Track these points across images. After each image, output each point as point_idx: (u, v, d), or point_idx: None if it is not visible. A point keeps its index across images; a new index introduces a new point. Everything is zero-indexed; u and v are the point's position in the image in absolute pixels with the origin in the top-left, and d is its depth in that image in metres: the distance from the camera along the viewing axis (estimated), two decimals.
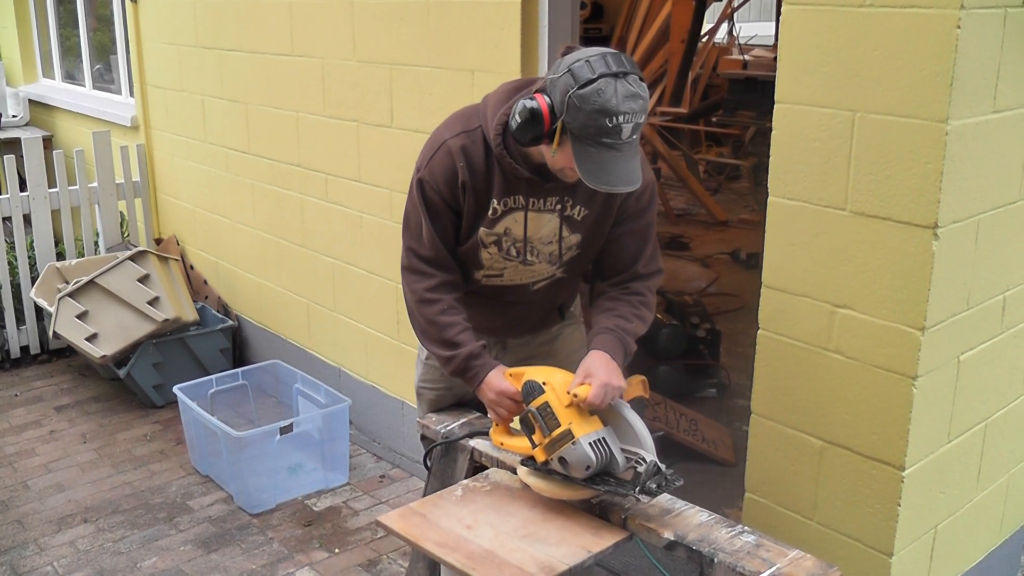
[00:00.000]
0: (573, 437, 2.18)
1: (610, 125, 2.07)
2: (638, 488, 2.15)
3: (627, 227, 2.47)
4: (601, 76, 2.08)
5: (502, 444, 2.44)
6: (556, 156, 2.20)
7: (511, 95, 2.33)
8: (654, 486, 2.15)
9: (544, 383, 2.27)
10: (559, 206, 2.40)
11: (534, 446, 2.27)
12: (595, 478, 2.21)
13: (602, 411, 2.26)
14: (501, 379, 2.39)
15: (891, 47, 2.25)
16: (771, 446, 2.71)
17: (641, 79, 2.14)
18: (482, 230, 2.42)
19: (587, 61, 2.11)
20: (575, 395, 2.21)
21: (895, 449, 2.42)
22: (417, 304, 2.47)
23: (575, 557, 2.13)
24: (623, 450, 2.21)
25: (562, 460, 2.20)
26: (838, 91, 2.37)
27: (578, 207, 2.41)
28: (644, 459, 2.19)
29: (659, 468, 2.18)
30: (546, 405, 2.23)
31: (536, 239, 2.44)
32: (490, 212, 2.39)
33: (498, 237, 2.43)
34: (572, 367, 2.34)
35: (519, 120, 2.17)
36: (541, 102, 2.15)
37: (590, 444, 2.17)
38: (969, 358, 2.54)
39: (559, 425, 2.21)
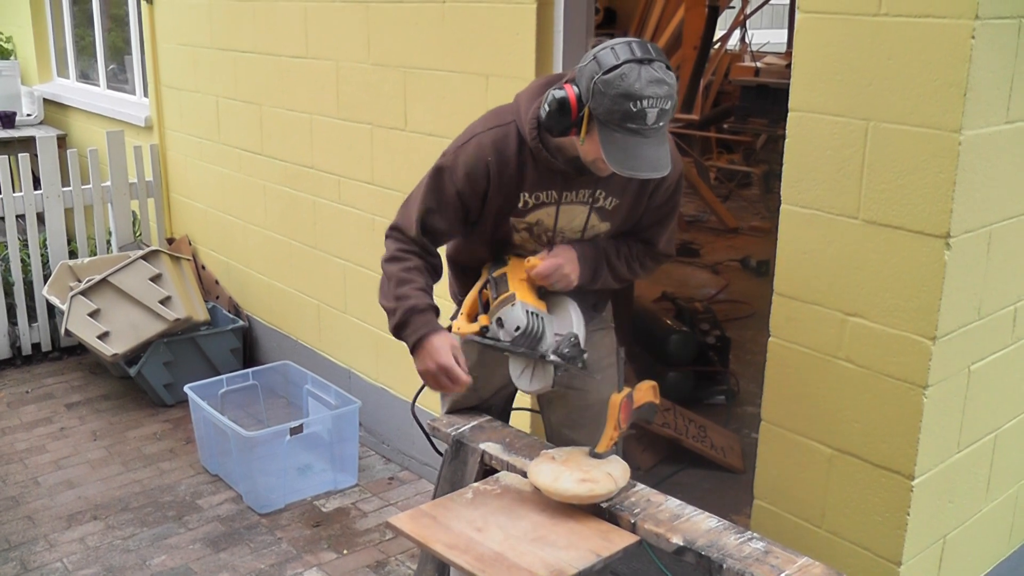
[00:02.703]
0: (514, 300, 2.37)
1: (634, 109, 2.08)
2: (551, 350, 2.35)
3: (652, 212, 2.52)
4: (626, 62, 2.10)
5: (459, 329, 2.49)
6: (585, 145, 2.22)
7: (543, 89, 2.35)
8: (566, 350, 2.34)
9: (508, 257, 2.50)
10: (590, 198, 2.44)
11: (485, 312, 2.47)
12: (520, 346, 2.39)
13: (552, 301, 2.48)
14: (446, 351, 2.36)
15: (905, 56, 2.26)
16: (780, 453, 2.71)
17: (668, 67, 2.15)
18: (513, 219, 2.45)
19: (612, 48, 2.14)
20: (529, 260, 2.42)
21: (905, 458, 2.42)
22: (387, 261, 2.47)
23: (584, 561, 2.14)
24: (555, 335, 2.39)
25: (499, 320, 2.39)
26: (852, 100, 2.37)
27: (610, 198, 2.45)
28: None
29: (577, 341, 2.36)
30: (503, 276, 2.44)
31: (568, 228, 2.49)
32: (520, 204, 2.42)
33: (529, 226, 2.48)
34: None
35: (548, 109, 2.20)
36: (569, 91, 2.19)
37: (526, 312, 2.36)
38: (980, 368, 2.54)
39: (506, 291, 2.41)
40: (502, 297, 2.42)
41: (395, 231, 2.52)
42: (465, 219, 2.46)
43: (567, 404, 2.73)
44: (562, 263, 2.43)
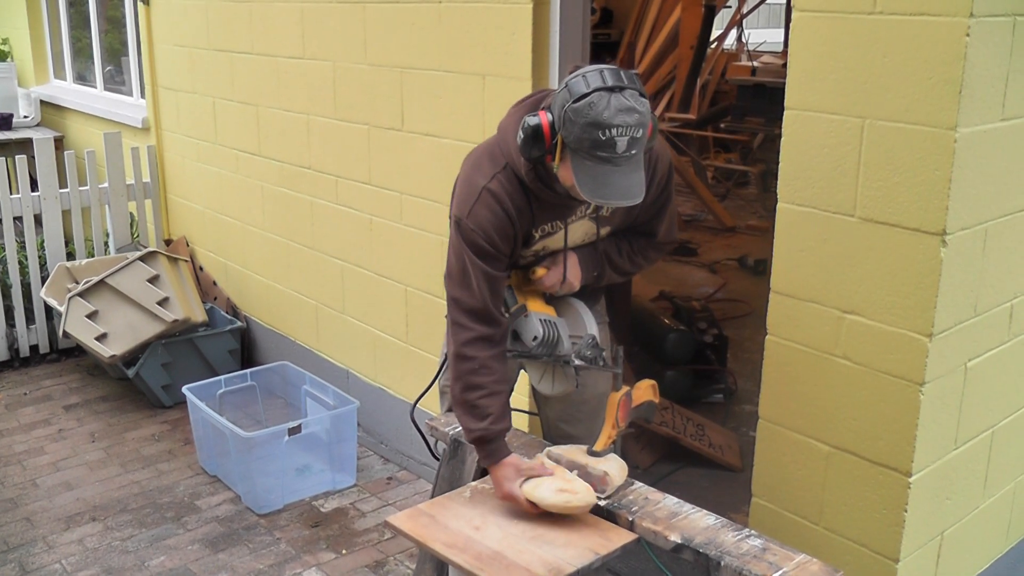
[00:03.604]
0: (526, 311, 2.44)
1: (603, 138, 2.09)
2: (574, 354, 2.39)
3: (647, 208, 2.53)
4: (596, 90, 2.11)
5: None
6: (560, 172, 2.23)
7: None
8: (588, 352, 2.38)
9: (510, 274, 2.52)
10: (591, 211, 2.46)
11: None
12: (540, 354, 2.46)
13: (559, 305, 2.52)
14: (510, 482, 2.36)
15: (900, 54, 2.26)
16: (778, 451, 2.72)
17: (641, 95, 2.15)
18: (522, 250, 2.47)
19: (584, 76, 2.14)
20: (534, 271, 2.48)
21: (902, 455, 2.43)
22: (454, 358, 2.42)
23: (583, 559, 2.15)
24: (570, 337, 2.46)
25: (514, 333, 2.45)
26: (847, 98, 2.38)
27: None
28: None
29: (596, 342, 2.40)
30: (509, 288, 2.48)
31: (573, 243, 2.51)
32: (529, 238, 2.44)
33: (536, 252, 2.50)
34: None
35: (522, 136, 2.21)
36: (543, 118, 2.20)
37: (540, 320, 2.42)
38: (976, 365, 2.55)
39: (516, 303, 2.46)
40: (513, 309, 2.46)
41: (454, 307, 2.43)
42: (510, 262, 2.45)
43: (564, 399, 2.74)
44: (564, 271, 2.48)
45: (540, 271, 2.48)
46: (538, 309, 2.47)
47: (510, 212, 2.34)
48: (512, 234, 2.37)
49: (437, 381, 2.88)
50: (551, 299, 2.54)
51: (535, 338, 2.42)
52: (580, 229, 2.49)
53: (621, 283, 2.79)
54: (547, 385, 2.56)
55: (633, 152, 2.13)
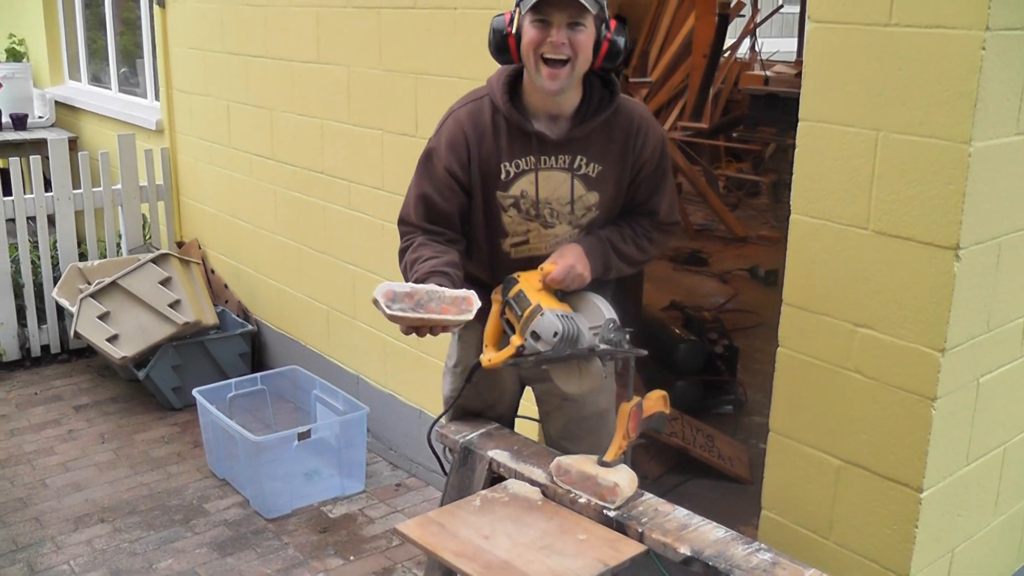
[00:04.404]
0: (541, 310, 2.36)
1: None
2: (600, 340, 2.35)
3: (645, 183, 2.55)
4: None
5: (490, 360, 2.49)
6: (521, 40, 2.32)
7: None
8: (611, 335, 2.34)
9: (516, 275, 2.49)
10: (570, 164, 2.46)
11: (514, 333, 2.45)
12: (563, 351, 2.38)
13: (573, 300, 2.49)
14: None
15: (916, 67, 2.26)
16: (788, 464, 2.71)
17: None
18: (498, 193, 2.48)
19: None
20: (541, 269, 2.45)
21: (913, 470, 2.42)
22: (400, 252, 2.54)
23: (592, 570, 2.14)
24: (590, 328, 2.39)
25: (533, 334, 2.35)
26: (862, 110, 2.37)
27: (592, 164, 2.47)
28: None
29: (617, 324, 2.37)
30: (520, 292, 2.43)
31: (553, 199, 2.49)
32: (502, 175, 2.46)
33: (515, 199, 2.49)
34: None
35: (490, 36, 2.37)
36: (505, 14, 2.38)
37: (557, 316, 2.34)
38: (989, 381, 2.53)
39: (530, 305, 2.39)
40: (528, 312, 2.40)
41: (400, 224, 2.60)
42: (462, 192, 2.49)
43: (564, 416, 2.74)
44: (572, 263, 2.45)
45: (548, 267, 2.46)
46: (553, 307, 2.43)
47: (468, 134, 2.43)
48: (466, 158, 2.44)
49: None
50: (564, 296, 2.52)
51: (555, 334, 2.36)
52: (559, 183, 2.47)
53: (631, 292, 2.78)
54: (575, 383, 2.51)
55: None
